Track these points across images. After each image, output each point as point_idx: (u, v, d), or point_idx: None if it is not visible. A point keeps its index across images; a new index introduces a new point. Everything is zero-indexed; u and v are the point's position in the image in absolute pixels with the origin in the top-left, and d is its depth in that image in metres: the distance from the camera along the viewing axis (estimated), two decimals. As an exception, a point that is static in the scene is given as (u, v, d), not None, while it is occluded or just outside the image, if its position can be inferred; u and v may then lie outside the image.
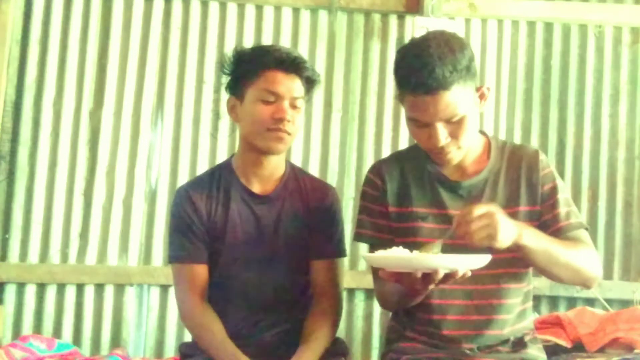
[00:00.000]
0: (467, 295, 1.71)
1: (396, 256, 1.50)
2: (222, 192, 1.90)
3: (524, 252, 1.56)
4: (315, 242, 1.86)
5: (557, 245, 1.60)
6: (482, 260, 1.49)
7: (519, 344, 1.73)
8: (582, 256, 1.63)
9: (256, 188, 1.90)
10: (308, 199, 1.91)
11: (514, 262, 1.69)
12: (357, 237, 1.84)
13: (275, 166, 1.91)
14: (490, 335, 1.71)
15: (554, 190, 1.72)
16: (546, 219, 1.71)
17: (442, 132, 1.62)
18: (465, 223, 1.46)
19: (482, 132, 1.82)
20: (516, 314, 1.74)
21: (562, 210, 1.70)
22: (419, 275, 1.45)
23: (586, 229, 1.73)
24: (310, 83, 1.88)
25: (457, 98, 1.58)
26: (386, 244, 1.64)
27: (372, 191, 1.82)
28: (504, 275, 1.71)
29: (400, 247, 1.55)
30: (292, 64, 1.83)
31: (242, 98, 1.86)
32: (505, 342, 1.72)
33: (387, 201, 1.78)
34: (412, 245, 1.63)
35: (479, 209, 1.47)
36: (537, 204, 1.72)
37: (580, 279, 1.67)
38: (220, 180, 1.92)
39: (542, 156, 1.76)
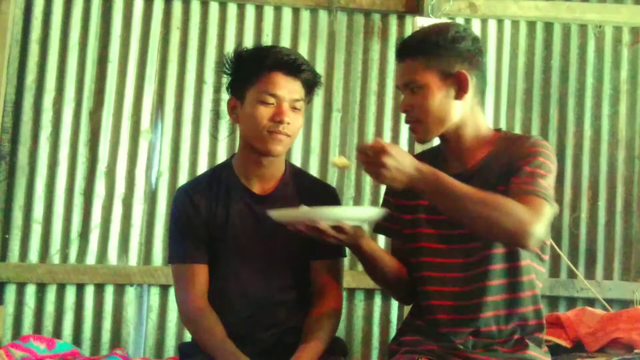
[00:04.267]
0: (460, 281, 1.73)
1: (288, 210, 1.72)
2: (223, 192, 1.90)
3: (425, 197, 1.66)
4: (315, 242, 1.86)
5: (466, 194, 1.57)
6: (361, 212, 1.69)
7: (519, 343, 1.72)
8: (499, 208, 1.56)
9: (256, 188, 1.90)
10: (308, 199, 1.91)
11: (495, 244, 1.70)
12: (376, 229, 1.92)
13: (275, 166, 1.92)
14: (484, 319, 1.70)
15: (527, 162, 1.67)
16: (509, 183, 1.67)
17: (404, 99, 1.76)
18: (361, 155, 1.61)
19: (498, 130, 1.84)
20: (508, 296, 1.71)
21: (523, 177, 1.65)
22: (301, 227, 1.63)
23: (544, 199, 1.62)
24: (311, 85, 1.89)
25: (417, 68, 1.71)
26: (399, 235, 1.84)
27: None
28: (491, 257, 1.70)
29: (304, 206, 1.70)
30: (292, 66, 1.84)
31: (243, 99, 1.86)
32: (507, 337, 1.71)
33: (396, 194, 1.85)
34: (414, 239, 1.79)
35: (368, 147, 1.58)
36: (510, 179, 1.70)
37: (496, 233, 1.60)
38: (220, 180, 1.92)
39: (535, 138, 1.74)
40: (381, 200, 1.95)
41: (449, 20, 3.03)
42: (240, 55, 1.90)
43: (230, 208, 1.88)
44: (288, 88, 1.82)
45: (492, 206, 1.56)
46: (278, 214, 1.71)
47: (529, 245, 1.58)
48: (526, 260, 1.72)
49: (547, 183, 1.64)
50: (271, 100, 1.82)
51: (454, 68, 1.71)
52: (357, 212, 1.71)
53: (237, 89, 1.89)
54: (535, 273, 1.75)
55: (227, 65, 1.91)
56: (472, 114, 1.76)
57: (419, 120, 1.73)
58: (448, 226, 1.73)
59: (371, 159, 1.57)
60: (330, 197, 1.96)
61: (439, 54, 1.71)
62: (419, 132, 1.76)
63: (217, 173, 1.95)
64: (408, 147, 3.08)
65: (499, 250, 1.70)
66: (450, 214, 1.64)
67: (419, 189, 1.60)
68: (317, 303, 1.89)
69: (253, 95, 1.83)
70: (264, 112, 1.81)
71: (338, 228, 1.64)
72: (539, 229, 1.56)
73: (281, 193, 1.90)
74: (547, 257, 1.81)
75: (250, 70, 1.85)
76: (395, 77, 1.83)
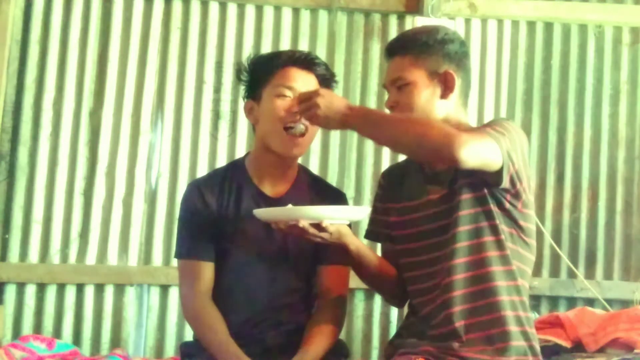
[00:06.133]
0: (431, 276, 1.75)
1: (271, 209, 1.76)
2: (234, 191, 1.90)
3: (357, 132, 1.72)
4: (324, 247, 1.85)
5: (396, 117, 1.70)
6: (341, 211, 1.72)
7: (508, 347, 1.69)
8: (427, 123, 1.63)
9: (268, 190, 1.90)
10: (318, 203, 1.90)
11: (455, 238, 1.71)
12: (367, 235, 1.95)
13: (288, 169, 1.92)
14: (453, 313, 1.69)
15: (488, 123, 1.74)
16: None
17: (390, 96, 1.79)
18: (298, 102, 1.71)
19: None
20: (474, 290, 1.70)
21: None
22: (281, 225, 1.66)
23: (489, 135, 1.62)
24: (325, 80, 1.91)
25: (405, 65, 1.76)
26: (389, 238, 1.86)
27: (377, 190, 1.96)
28: (455, 251, 1.71)
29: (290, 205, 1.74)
30: (306, 60, 1.87)
31: (259, 99, 1.88)
32: (496, 314, 1.69)
33: (384, 197, 1.91)
34: (398, 240, 1.82)
35: (307, 93, 1.69)
36: None
37: (426, 147, 1.60)
38: (232, 179, 1.92)
39: (500, 118, 1.81)
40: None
41: (450, 20, 3.04)
42: (255, 58, 1.93)
43: (241, 208, 1.87)
44: (303, 81, 1.84)
45: (420, 122, 1.65)
46: (262, 212, 1.72)
47: (458, 155, 1.53)
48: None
49: (499, 135, 1.62)
50: (287, 93, 1.83)
51: (441, 68, 1.76)
52: (337, 210, 1.72)
53: (253, 91, 1.91)
54: (520, 259, 1.73)
55: (240, 72, 1.93)
56: (456, 114, 1.79)
57: None
58: (420, 222, 1.77)
59: (306, 104, 1.65)
60: (340, 201, 1.96)
61: (428, 53, 1.75)
62: None
63: (230, 171, 1.95)
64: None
65: (464, 242, 1.71)
66: (385, 141, 1.72)
67: (353, 124, 1.66)
68: (320, 307, 1.89)
69: (269, 91, 1.85)
70: (281, 105, 1.83)
71: (319, 227, 1.66)
72: (470, 144, 1.55)
73: (293, 197, 1.88)
74: (533, 242, 1.78)
75: (265, 69, 1.87)
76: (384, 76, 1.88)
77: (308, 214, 1.65)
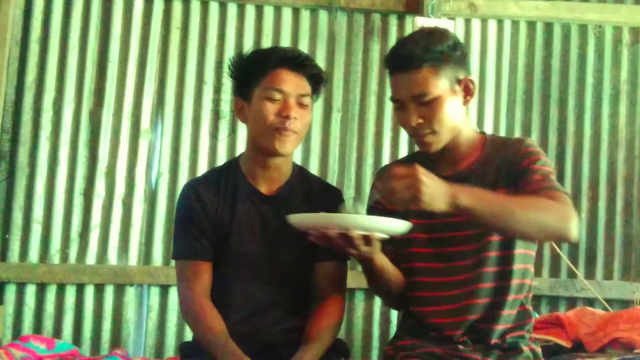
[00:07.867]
0: (450, 285, 1.73)
1: (313, 214, 1.62)
2: (230, 191, 1.90)
3: (469, 214, 1.54)
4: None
5: (510, 200, 1.59)
6: (398, 224, 1.58)
7: (513, 349, 1.71)
8: (542, 207, 1.58)
9: (263, 188, 1.90)
10: (314, 201, 1.90)
11: (488, 247, 1.71)
12: None
13: (281, 167, 1.91)
14: (474, 322, 1.70)
15: (531, 162, 1.70)
16: (520, 184, 1.69)
17: (412, 112, 1.69)
18: (389, 183, 1.51)
19: (482, 132, 1.87)
20: (498, 299, 1.71)
21: (536, 176, 1.67)
22: (333, 234, 1.55)
23: (566, 193, 1.66)
24: (316, 81, 1.89)
25: (428, 79, 1.67)
26: (389, 241, 1.75)
27: (373, 191, 1.86)
28: (483, 260, 1.71)
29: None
30: (297, 62, 1.85)
31: (250, 99, 1.87)
32: (498, 341, 1.71)
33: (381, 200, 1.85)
34: (404, 244, 1.76)
35: (401, 169, 1.51)
36: (517, 180, 1.71)
37: (546, 233, 1.62)
38: (228, 178, 1.92)
39: (528, 141, 1.77)
40: (367, 208, 1.85)
41: (450, 20, 3.04)
42: (246, 56, 1.91)
43: (237, 207, 1.87)
44: (294, 83, 1.83)
45: (535, 207, 1.57)
46: (299, 218, 1.63)
47: (573, 236, 1.60)
48: (520, 249, 1.73)
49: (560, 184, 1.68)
50: (277, 96, 1.82)
51: (460, 74, 1.72)
52: (390, 223, 1.58)
53: (243, 90, 1.89)
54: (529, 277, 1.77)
55: (231, 69, 1.92)
56: (467, 120, 1.78)
57: (435, 131, 1.70)
58: (441, 229, 1.73)
59: (406, 181, 1.49)
60: (336, 199, 1.95)
61: (446, 62, 1.69)
62: (432, 143, 1.72)
63: (225, 171, 1.95)
64: (408, 148, 3.09)
65: (493, 252, 1.71)
66: (499, 226, 1.60)
67: (462, 202, 1.51)
68: (319, 305, 1.89)
69: (259, 93, 1.84)
70: (270, 108, 1.82)
71: (367, 239, 1.57)
72: (576, 219, 1.61)
73: (288, 194, 1.89)
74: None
75: (255, 69, 1.86)
76: (393, 90, 1.75)
77: (361, 224, 1.54)
